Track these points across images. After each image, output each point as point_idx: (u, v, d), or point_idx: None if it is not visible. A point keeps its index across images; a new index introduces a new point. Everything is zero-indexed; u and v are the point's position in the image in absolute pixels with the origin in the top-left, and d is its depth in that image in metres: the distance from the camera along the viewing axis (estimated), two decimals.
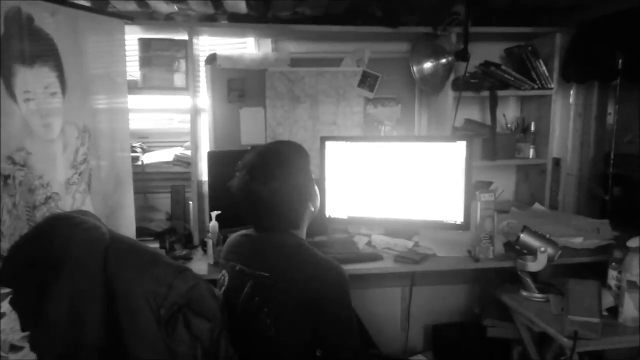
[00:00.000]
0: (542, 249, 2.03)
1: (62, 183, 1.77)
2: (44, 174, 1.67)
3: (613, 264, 1.95)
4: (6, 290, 1.56)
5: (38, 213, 1.64)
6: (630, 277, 1.83)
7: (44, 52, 1.67)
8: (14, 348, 1.59)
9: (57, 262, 1.08)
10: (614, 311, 1.91)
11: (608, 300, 1.93)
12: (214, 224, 2.19)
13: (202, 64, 2.69)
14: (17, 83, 1.56)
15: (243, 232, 1.64)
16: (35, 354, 1.22)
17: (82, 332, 1.06)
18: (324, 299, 1.42)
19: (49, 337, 1.06)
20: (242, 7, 2.51)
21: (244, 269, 1.51)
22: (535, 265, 2.06)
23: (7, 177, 1.53)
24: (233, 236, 1.67)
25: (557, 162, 2.83)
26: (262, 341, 1.42)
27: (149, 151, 2.71)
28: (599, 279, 1.94)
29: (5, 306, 1.56)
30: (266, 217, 1.52)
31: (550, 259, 2.05)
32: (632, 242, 1.86)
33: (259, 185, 1.47)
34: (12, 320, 1.57)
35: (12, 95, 1.54)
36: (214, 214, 2.21)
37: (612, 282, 1.95)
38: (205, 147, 2.68)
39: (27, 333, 1.61)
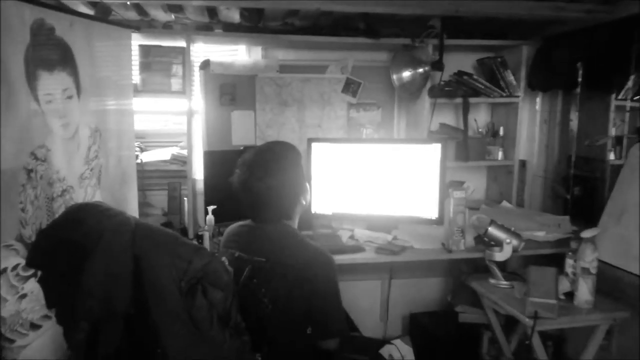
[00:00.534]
0: (508, 240, 2.26)
1: (76, 177, 1.94)
2: (61, 168, 1.85)
3: (569, 253, 2.19)
4: (27, 272, 1.73)
5: (55, 204, 1.81)
6: (584, 265, 2.06)
7: (63, 58, 1.84)
8: (34, 326, 1.75)
9: (90, 243, 1.25)
10: (570, 295, 2.14)
11: (565, 285, 2.17)
12: (210, 218, 2.37)
13: (196, 69, 2.88)
14: (40, 86, 1.73)
15: (241, 223, 1.83)
16: (62, 326, 1.40)
17: (113, 302, 1.24)
18: (315, 280, 1.62)
19: (85, 307, 1.23)
20: (236, 17, 2.71)
21: (242, 255, 1.70)
22: (502, 255, 2.28)
23: (30, 171, 1.70)
24: (232, 227, 1.86)
25: (523, 163, 3.08)
26: (260, 318, 1.61)
27: (146, 150, 2.88)
28: (558, 268, 2.19)
29: (27, 287, 1.72)
30: (263, 209, 1.71)
31: (515, 250, 2.27)
32: (585, 234, 2.10)
33: (257, 181, 1.66)
34: (32, 301, 1.73)
35: (35, 97, 1.71)
36: (210, 208, 2.39)
37: (569, 269, 2.18)
38: (198, 147, 2.86)
39: (44, 313, 1.79)
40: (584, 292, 2.08)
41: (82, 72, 1.95)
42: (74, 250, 1.27)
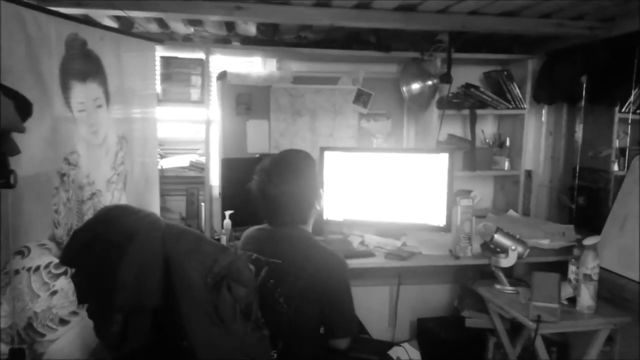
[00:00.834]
0: (513, 247, 2.35)
1: (104, 182, 2.06)
2: (90, 173, 1.97)
3: (572, 260, 2.27)
4: (59, 270, 1.84)
5: (85, 207, 1.93)
6: (586, 271, 2.14)
7: (94, 70, 1.97)
8: (63, 321, 1.86)
9: (124, 241, 1.36)
10: (573, 301, 2.22)
11: (568, 291, 2.25)
12: (227, 222, 2.48)
13: (214, 80, 3.00)
14: (73, 96, 1.85)
15: (258, 226, 1.93)
16: (94, 321, 1.50)
17: (144, 295, 1.34)
18: (329, 281, 1.72)
19: (119, 300, 1.34)
20: (252, 31, 2.83)
21: (259, 257, 1.80)
22: (507, 261, 2.37)
23: (63, 175, 1.81)
24: (249, 230, 1.96)
25: (529, 173, 3.17)
26: (277, 317, 1.71)
27: (165, 157, 2.99)
28: (561, 274, 2.27)
29: (58, 284, 1.83)
30: (279, 214, 1.81)
31: (520, 257, 2.36)
32: (587, 241, 2.18)
33: (274, 188, 1.76)
34: (62, 297, 1.84)
35: (68, 106, 1.83)
36: (227, 213, 2.50)
37: (571, 276, 2.26)
38: (215, 154, 2.97)
39: (72, 309, 1.90)
40: (586, 297, 2.16)
41: (110, 83, 2.08)
42: (110, 248, 1.38)
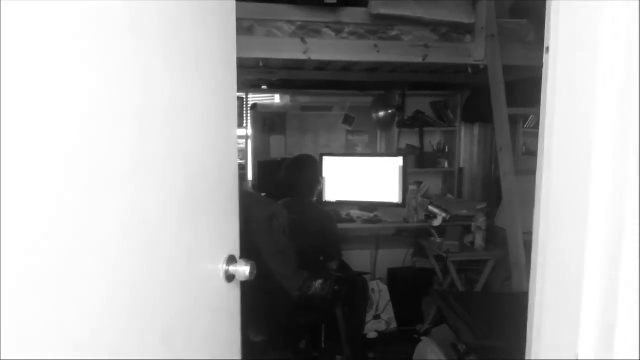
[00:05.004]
0: (439, 213, 3.85)
1: None
2: None
3: (473, 218, 3.78)
4: None
5: None
6: (478, 224, 3.65)
7: None
8: None
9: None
10: (473, 243, 3.72)
11: (470, 238, 3.75)
12: None
13: (248, 109, 4.51)
14: None
15: (284, 199, 3.43)
16: None
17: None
18: (325, 224, 3.21)
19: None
20: (274, 78, 4.35)
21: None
22: (436, 222, 3.86)
23: None
24: (281, 201, 3.45)
25: (461, 170, 4.68)
26: (298, 245, 3.20)
27: None
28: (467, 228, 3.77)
29: None
30: (298, 192, 3.29)
31: (444, 220, 3.85)
32: (478, 206, 3.70)
33: (292, 175, 3.25)
34: None
35: None
36: (263, 195, 4.00)
37: (473, 228, 3.76)
38: (250, 158, 4.47)
39: None
40: (478, 240, 3.66)
41: None
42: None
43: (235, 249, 1.40)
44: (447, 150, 4.67)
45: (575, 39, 0.72)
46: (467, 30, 3.05)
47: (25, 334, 0.69)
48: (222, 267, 1.33)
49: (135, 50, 0.94)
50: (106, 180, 0.85)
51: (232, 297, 1.42)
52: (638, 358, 0.66)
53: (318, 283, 2.91)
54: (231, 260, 1.35)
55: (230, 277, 1.35)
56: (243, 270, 1.36)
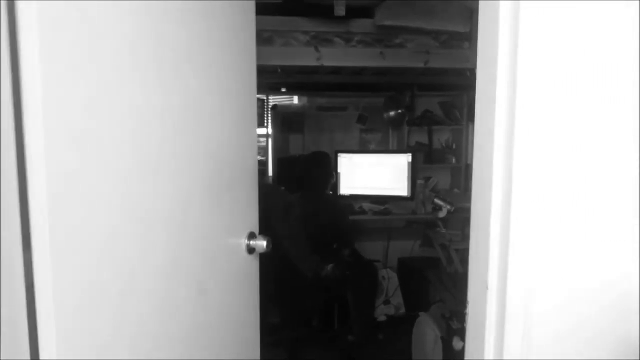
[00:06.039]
0: (444, 205, 4.15)
1: None
2: None
3: None
4: None
5: None
6: None
7: None
8: None
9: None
10: None
11: None
12: None
13: (269, 110, 4.86)
14: None
15: (301, 192, 3.78)
16: None
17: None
18: (339, 216, 3.57)
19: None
20: (292, 81, 4.69)
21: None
22: (441, 214, 4.17)
23: None
24: (297, 194, 3.81)
25: (467, 166, 4.96)
26: (312, 233, 3.55)
27: None
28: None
29: None
30: (313, 185, 3.64)
31: (449, 212, 4.15)
32: None
33: (308, 171, 3.61)
34: None
35: None
36: (282, 188, 4.36)
37: None
38: (270, 155, 4.83)
39: None
40: None
41: None
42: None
43: (255, 226, 1.75)
44: (454, 147, 4.96)
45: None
46: (465, 37, 3.35)
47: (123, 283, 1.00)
48: (244, 241, 1.67)
49: (195, 75, 1.31)
50: (170, 173, 1.18)
51: (253, 266, 1.78)
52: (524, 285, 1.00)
53: (330, 266, 3.25)
54: (252, 235, 1.70)
55: (251, 250, 1.70)
56: (261, 243, 1.71)
